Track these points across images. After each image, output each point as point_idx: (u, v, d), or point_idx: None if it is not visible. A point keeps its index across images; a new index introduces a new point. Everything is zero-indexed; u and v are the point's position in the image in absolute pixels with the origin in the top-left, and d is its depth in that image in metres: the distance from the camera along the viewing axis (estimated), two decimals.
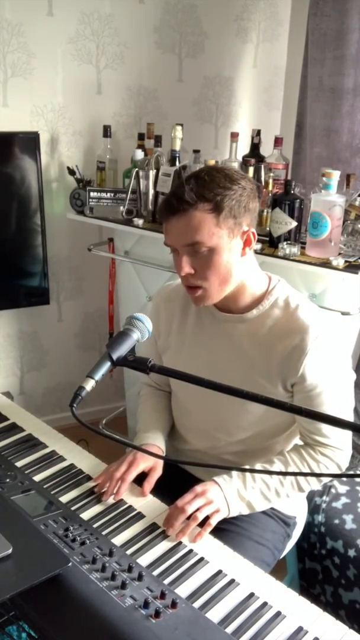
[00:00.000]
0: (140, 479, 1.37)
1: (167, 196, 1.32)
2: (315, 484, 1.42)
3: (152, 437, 1.50)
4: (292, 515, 1.51)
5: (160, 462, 1.43)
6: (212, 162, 2.13)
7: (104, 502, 1.29)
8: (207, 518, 1.26)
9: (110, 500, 1.30)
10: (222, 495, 1.30)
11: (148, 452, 1.17)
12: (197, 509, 1.25)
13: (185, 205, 1.24)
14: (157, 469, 1.41)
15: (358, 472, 1.90)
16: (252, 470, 1.38)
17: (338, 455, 1.38)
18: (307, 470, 1.37)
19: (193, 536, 1.21)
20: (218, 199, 1.24)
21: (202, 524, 1.25)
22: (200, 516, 1.24)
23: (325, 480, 1.44)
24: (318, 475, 1.41)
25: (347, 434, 1.39)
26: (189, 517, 1.23)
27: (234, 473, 1.34)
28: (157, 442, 1.49)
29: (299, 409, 0.93)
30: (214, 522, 1.26)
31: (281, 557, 1.49)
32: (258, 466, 1.38)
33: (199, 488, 1.29)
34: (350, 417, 1.38)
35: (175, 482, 1.40)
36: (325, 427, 1.35)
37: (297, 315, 1.32)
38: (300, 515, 1.55)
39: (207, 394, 1.38)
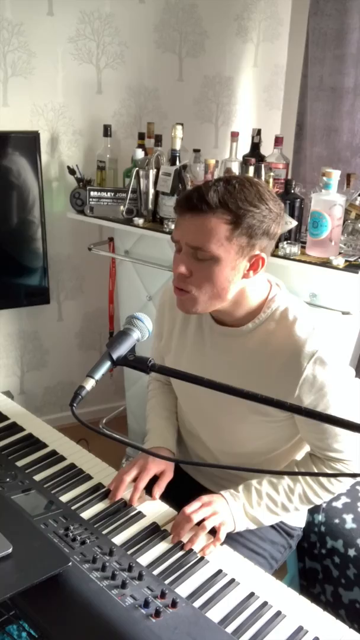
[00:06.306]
0: (149, 482, 1.35)
1: (189, 190, 1.24)
2: (326, 497, 1.35)
3: (162, 439, 1.47)
4: (297, 526, 1.49)
5: (171, 466, 1.40)
6: (212, 162, 2.13)
7: (104, 502, 1.29)
8: (213, 530, 1.23)
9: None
10: (228, 509, 1.27)
11: (160, 456, 1.15)
12: (204, 519, 1.22)
13: (204, 206, 1.17)
14: (168, 472, 1.38)
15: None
16: (259, 471, 1.35)
17: (351, 467, 1.33)
18: (316, 485, 1.32)
19: (201, 546, 1.19)
20: (240, 212, 1.17)
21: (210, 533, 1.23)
22: (208, 525, 1.21)
23: (338, 492, 1.37)
24: (317, 475, 1.36)
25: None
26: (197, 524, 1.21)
27: (240, 489, 1.32)
28: (168, 445, 1.46)
29: (298, 408, 0.92)
30: (222, 536, 1.22)
31: (278, 566, 1.46)
32: (265, 482, 1.34)
33: (205, 498, 1.27)
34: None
35: (179, 485, 1.39)
36: (336, 443, 1.30)
37: (293, 331, 1.25)
38: (303, 525, 1.54)
39: (207, 408, 1.39)
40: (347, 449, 1.31)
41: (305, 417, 0.92)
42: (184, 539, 1.20)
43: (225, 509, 1.27)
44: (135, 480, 1.34)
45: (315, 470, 1.33)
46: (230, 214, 1.17)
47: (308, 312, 1.32)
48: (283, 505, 1.32)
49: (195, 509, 1.23)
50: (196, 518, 1.21)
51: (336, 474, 1.34)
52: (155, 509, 1.29)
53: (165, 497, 1.33)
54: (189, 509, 1.24)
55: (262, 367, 1.29)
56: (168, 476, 1.38)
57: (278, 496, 1.32)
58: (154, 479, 1.37)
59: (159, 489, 1.34)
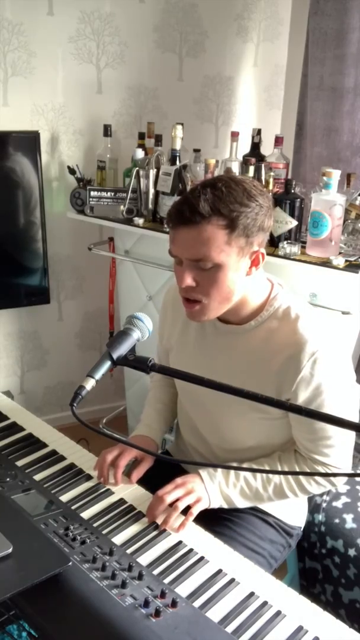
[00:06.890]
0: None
1: (178, 203, 1.23)
2: (301, 495, 1.37)
3: (148, 429, 1.51)
4: (296, 525, 1.49)
5: (153, 451, 1.45)
6: (212, 162, 2.13)
7: (104, 502, 1.29)
8: (189, 508, 1.26)
9: (111, 499, 1.30)
10: (203, 486, 1.31)
11: (140, 449, 1.19)
12: (177, 499, 1.26)
13: (198, 217, 1.16)
14: (148, 458, 1.42)
15: (358, 472, 1.90)
16: (240, 469, 1.36)
17: (332, 471, 1.33)
18: (294, 482, 1.35)
19: (176, 526, 1.23)
20: (234, 215, 1.17)
21: (185, 513, 1.25)
22: (181, 505, 1.24)
23: (315, 492, 1.39)
24: (299, 473, 1.37)
25: (348, 454, 1.34)
26: (170, 506, 1.25)
27: (219, 469, 1.34)
28: (152, 434, 1.49)
29: (298, 408, 0.92)
30: (195, 511, 1.26)
31: (278, 566, 1.47)
32: (246, 466, 1.38)
33: (179, 479, 1.31)
34: (352, 434, 1.32)
35: (171, 479, 1.40)
36: (325, 448, 1.31)
37: (296, 329, 1.26)
38: (303, 524, 1.54)
39: (208, 405, 1.40)
40: (334, 455, 1.32)
41: (306, 417, 0.92)
42: (159, 520, 1.23)
43: (199, 487, 1.30)
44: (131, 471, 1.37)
45: (296, 467, 1.35)
46: (225, 218, 1.17)
47: (310, 311, 1.33)
48: (257, 491, 1.34)
49: (168, 490, 1.27)
50: (169, 499, 1.25)
51: (332, 474, 1.34)
52: None
53: None
54: (161, 490, 1.27)
55: (263, 363, 1.30)
56: (148, 462, 1.41)
57: (255, 482, 1.34)
58: (154, 473, 1.39)
59: (137, 473, 1.37)
